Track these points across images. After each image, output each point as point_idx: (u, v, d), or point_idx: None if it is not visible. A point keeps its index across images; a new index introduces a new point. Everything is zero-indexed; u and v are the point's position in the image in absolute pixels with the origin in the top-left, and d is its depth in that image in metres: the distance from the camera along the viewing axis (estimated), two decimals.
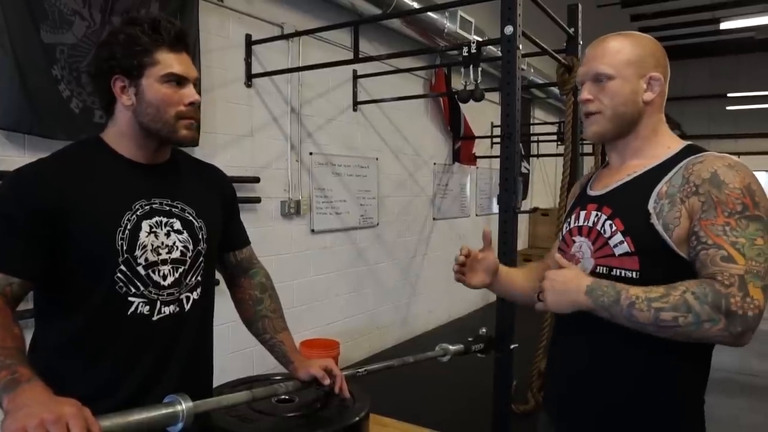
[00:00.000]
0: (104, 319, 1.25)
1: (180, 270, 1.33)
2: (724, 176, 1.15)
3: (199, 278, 1.38)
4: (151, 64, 1.25)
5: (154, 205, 1.31)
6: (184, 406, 1.17)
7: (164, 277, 1.30)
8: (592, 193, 1.39)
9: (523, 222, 7.65)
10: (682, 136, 1.38)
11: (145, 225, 1.28)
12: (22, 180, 1.22)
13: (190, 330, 1.37)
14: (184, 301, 1.34)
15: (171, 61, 1.27)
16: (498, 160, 2.46)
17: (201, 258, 1.38)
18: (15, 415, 0.93)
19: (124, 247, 1.24)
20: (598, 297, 1.16)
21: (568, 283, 1.21)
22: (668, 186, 1.21)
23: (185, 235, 1.35)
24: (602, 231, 1.28)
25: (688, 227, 1.17)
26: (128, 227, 1.25)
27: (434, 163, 5.67)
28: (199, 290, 1.38)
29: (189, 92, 1.30)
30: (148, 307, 1.28)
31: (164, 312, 1.30)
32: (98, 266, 1.23)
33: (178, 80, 1.28)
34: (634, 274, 1.20)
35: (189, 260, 1.35)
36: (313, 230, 4.12)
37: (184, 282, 1.34)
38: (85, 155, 1.31)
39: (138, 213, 1.28)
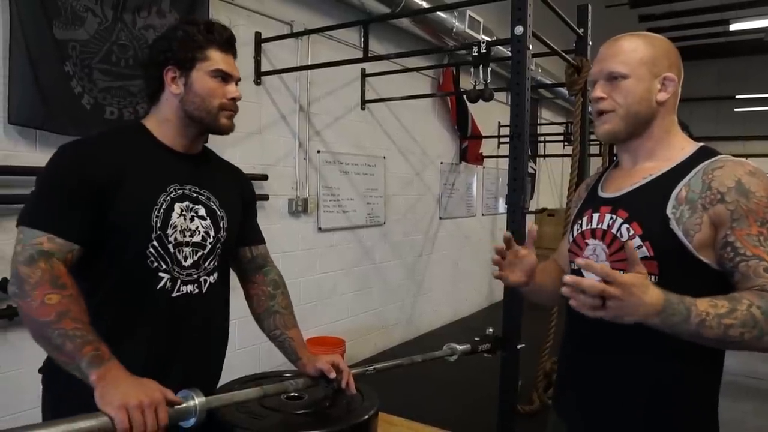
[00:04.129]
0: (134, 292, 1.31)
1: (199, 254, 1.41)
2: (749, 184, 1.15)
3: (215, 264, 1.45)
4: (203, 59, 1.38)
5: (185, 190, 1.40)
6: (197, 401, 1.18)
7: (185, 258, 1.38)
8: (604, 195, 1.37)
9: (528, 222, 7.63)
10: (691, 138, 1.37)
11: (177, 207, 1.37)
12: (79, 153, 1.31)
13: (206, 311, 1.44)
14: (203, 283, 1.42)
15: (220, 59, 1.40)
16: (505, 159, 2.47)
17: (219, 245, 1.46)
18: (112, 392, 1.07)
19: (158, 224, 1.33)
20: (668, 316, 1.05)
21: (644, 302, 1.04)
22: (687, 190, 1.20)
23: (208, 221, 1.43)
24: (618, 234, 1.26)
25: (710, 233, 1.16)
26: (163, 207, 1.35)
27: (441, 163, 5.67)
28: (216, 275, 1.46)
29: (232, 88, 1.43)
30: (170, 284, 1.36)
31: (183, 290, 1.38)
32: (133, 239, 1.31)
33: (224, 76, 1.41)
34: (653, 278, 1.18)
35: (209, 246, 1.43)
36: (320, 228, 4.14)
37: (203, 265, 1.42)
38: (130, 137, 1.41)
39: (172, 195, 1.37)
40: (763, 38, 10.78)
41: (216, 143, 3.21)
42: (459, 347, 1.94)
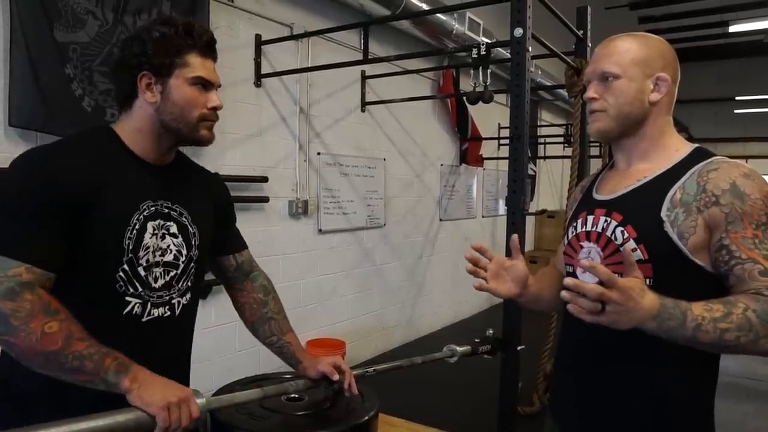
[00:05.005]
0: (99, 317, 1.22)
1: (171, 274, 1.33)
2: (744, 186, 1.14)
3: (189, 284, 1.38)
4: (181, 65, 1.28)
5: (158, 207, 1.31)
6: (198, 402, 1.18)
7: (155, 279, 1.29)
8: (598, 197, 1.37)
9: (529, 224, 7.64)
10: (690, 139, 1.36)
11: (149, 226, 1.28)
12: (49, 167, 1.19)
13: (177, 334, 1.38)
14: (175, 305, 1.34)
15: (200, 65, 1.30)
16: (505, 161, 2.47)
17: (192, 264, 1.38)
18: (150, 392, 1.12)
19: (130, 247, 1.24)
20: (664, 320, 1.05)
21: (641, 301, 1.04)
22: (681, 193, 1.19)
23: (180, 239, 1.35)
24: (613, 237, 1.25)
25: (705, 236, 1.16)
26: (136, 227, 1.25)
27: (441, 164, 5.68)
28: (188, 296, 1.38)
29: (213, 97, 1.33)
30: (140, 308, 1.28)
31: (153, 314, 1.29)
32: (102, 263, 1.22)
33: (204, 84, 1.31)
34: (647, 281, 1.17)
35: (181, 265, 1.35)
36: (320, 230, 4.14)
37: (176, 286, 1.34)
38: (100, 146, 1.28)
39: (145, 214, 1.28)
40: (762, 40, 10.77)
41: (216, 145, 3.23)
42: (459, 349, 1.94)
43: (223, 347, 3.41)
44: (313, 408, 1.54)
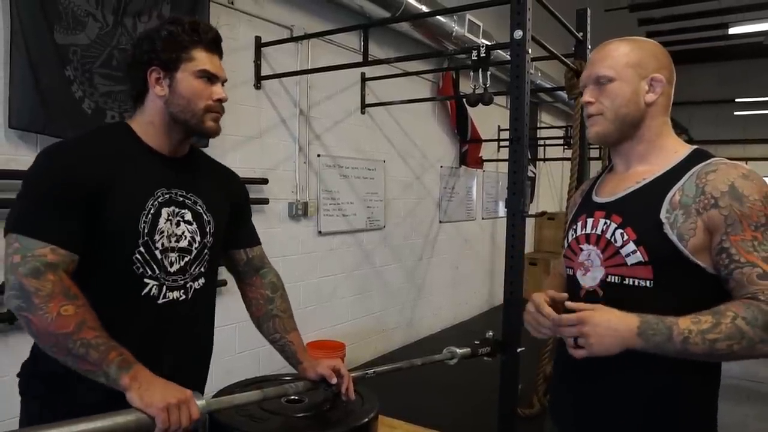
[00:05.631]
0: (119, 298, 1.29)
1: (186, 259, 1.39)
2: (743, 188, 1.14)
3: (202, 269, 1.43)
4: (188, 60, 1.35)
5: (172, 195, 1.37)
6: (198, 403, 1.18)
7: (171, 264, 1.35)
8: (598, 199, 1.37)
9: (529, 226, 7.64)
10: (690, 141, 1.36)
11: (164, 212, 1.34)
12: (69, 158, 1.27)
13: (192, 317, 1.42)
14: (189, 289, 1.40)
15: (205, 60, 1.37)
16: (504, 163, 2.47)
17: (206, 250, 1.44)
18: (150, 392, 1.13)
19: (146, 230, 1.30)
20: (650, 336, 1.10)
21: (616, 325, 1.11)
22: (681, 195, 1.19)
23: (194, 226, 1.41)
24: (612, 240, 1.25)
25: (705, 238, 1.16)
26: (151, 212, 1.32)
27: (441, 166, 5.68)
28: (201, 281, 1.43)
29: (218, 90, 1.39)
30: (157, 290, 1.33)
31: (169, 297, 1.35)
32: (120, 246, 1.28)
33: (210, 77, 1.38)
34: (647, 283, 1.19)
35: (195, 251, 1.41)
36: (320, 232, 4.14)
37: (189, 271, 1.40)
38: (116, 139, 1.36)
39: (159, 200, 1.34)
40: (762, 42, 10.80)
41: (217, 147, 3.24)
42: (459, 351, 1.94)
43: (223, 349, 3.40)
44: (313, 410, 1.54)
